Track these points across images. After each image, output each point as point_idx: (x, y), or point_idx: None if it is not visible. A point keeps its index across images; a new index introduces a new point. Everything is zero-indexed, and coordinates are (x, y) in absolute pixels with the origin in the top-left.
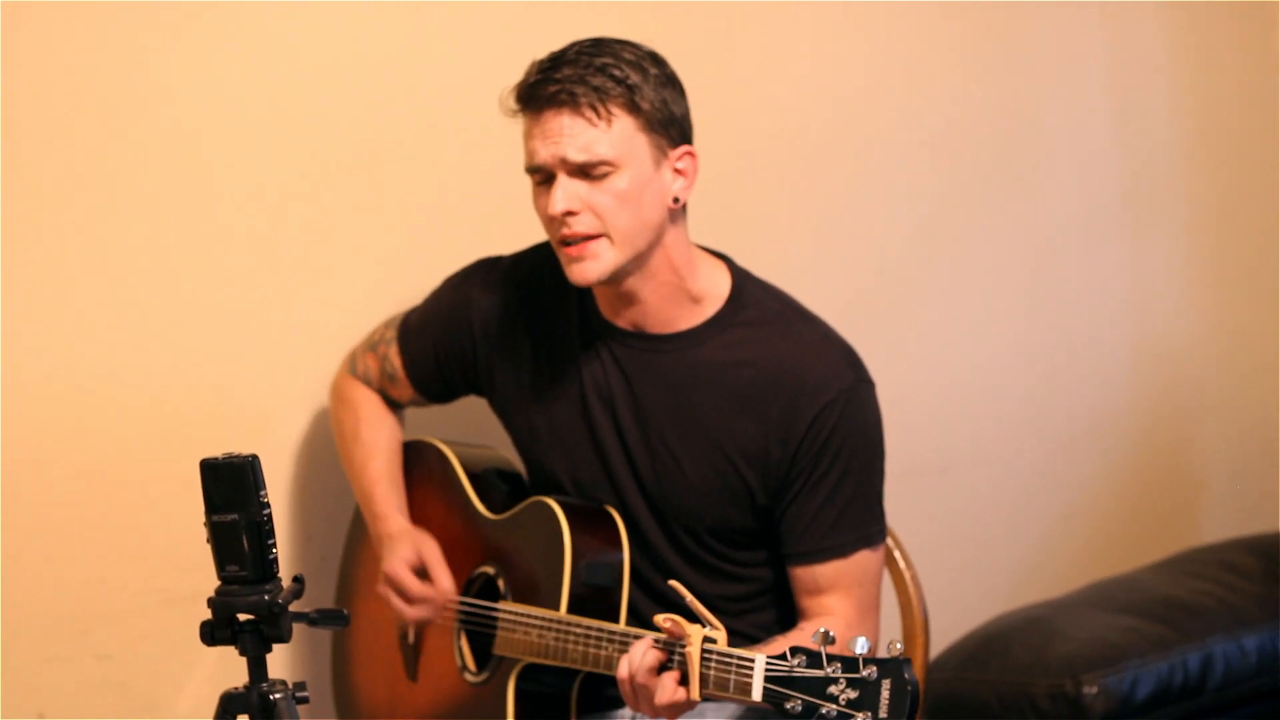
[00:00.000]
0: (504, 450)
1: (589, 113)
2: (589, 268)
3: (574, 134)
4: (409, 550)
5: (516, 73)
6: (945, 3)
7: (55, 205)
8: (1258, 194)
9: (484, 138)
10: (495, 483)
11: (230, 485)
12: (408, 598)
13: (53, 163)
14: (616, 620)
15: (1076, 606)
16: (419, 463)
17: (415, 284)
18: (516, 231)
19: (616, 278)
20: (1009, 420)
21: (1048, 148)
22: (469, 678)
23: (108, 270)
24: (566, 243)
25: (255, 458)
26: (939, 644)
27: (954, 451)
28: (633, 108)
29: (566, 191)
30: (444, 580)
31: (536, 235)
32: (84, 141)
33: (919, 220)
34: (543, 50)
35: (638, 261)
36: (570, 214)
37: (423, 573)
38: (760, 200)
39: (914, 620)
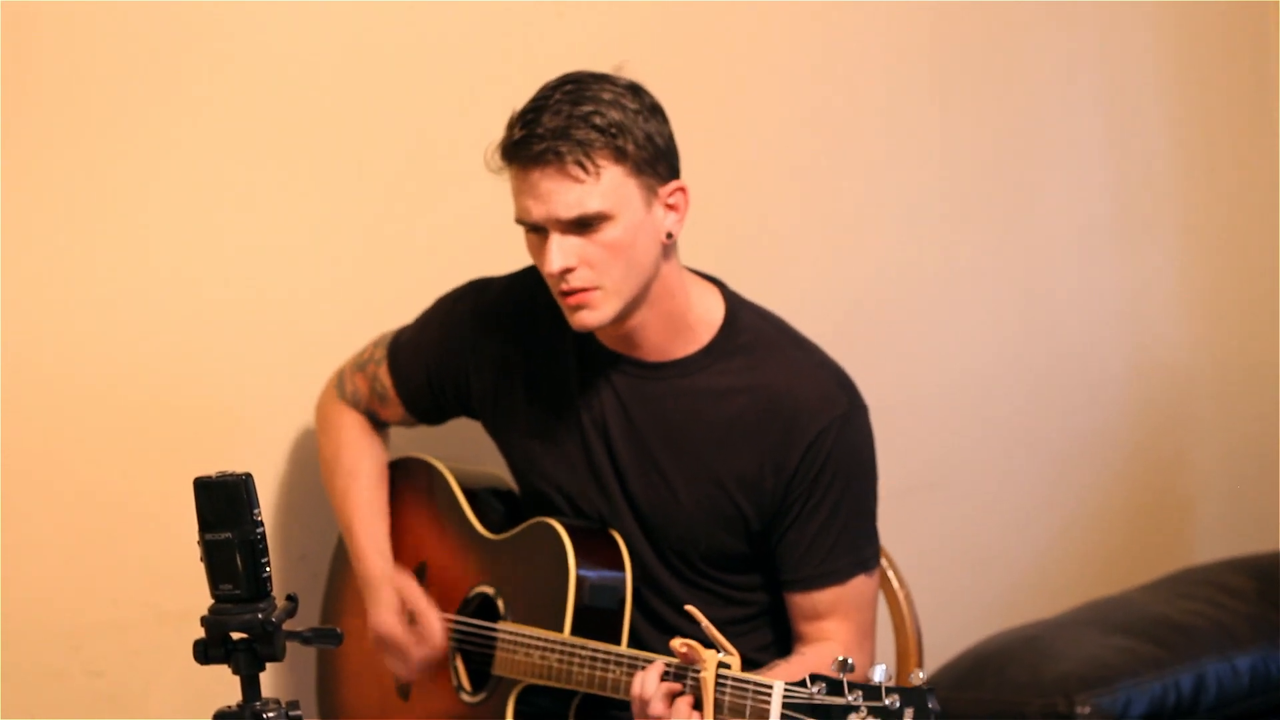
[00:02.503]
0: (497, 469)
1: (575, 169)
2: (587, 316)
3: (563, 192)
4: (392, 598)
5: (508, 89)
6: (940, 15)
7: (44, 222)
8: (1253, 207)
9: (475, 152)
10: (491, 503)
11: (224, 504)
12: (403, 652)
13: (43, 173)
14: (618, 642)
15: (1070, 626)
16: (413, 481)
17: (406, 301)
18: (508, 247)
19: (618, 319)
20: (1003, 437)
21: (1042, 161)
22: (465, 698)
23: (103, 287)
24: (564, 294)
25: (249, 476)
26: (932, 663)
27: (947, 469)
28: (619, 154)
29: (562, 249)
30: (432, 622)
31: (526, 251)
32: (75, 155)
33: (912, 234)
34: (533, 66)
35: (636, 301)
36: (567, 270)
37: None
38: (750, 217)
39: (907, 639)
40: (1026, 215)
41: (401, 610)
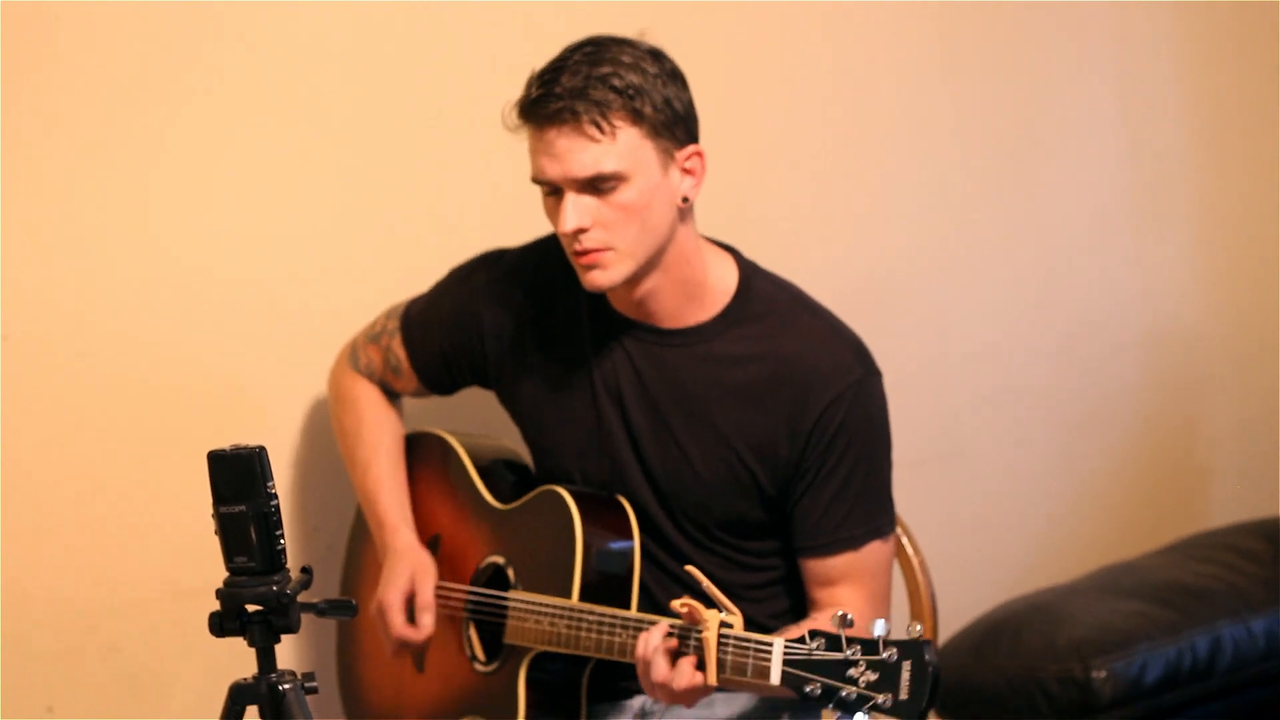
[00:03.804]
0: (508, 440)
1: (591, 129)
2: (600, 276)
3: (579, 151)
4: (406, 580)
5: (517, 66)
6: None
7: (56, 202)
8: (1264, 181)
9: (485, 128)
10: (502, 473)
11: (238, 477)
12: (389, 631)
13: (53, 158)
14: (627, 608)
15: (1085, 592)
16: (425, 455)
17: (417, 273)
18: (519, 222)
19: (630, 281)
20: (1017, 407)
21: (1057, 136)
22: (479, 668)
23: (111, 264)
24: (578, 254)
25: (262, 449)
26: (947, 630)
27: (962, 438)
28: (636, 116)
29: (576, 209)
30: (426, 626)
31: (539, 224)
32: (84, 136)
33: (928, 208)
34: (542, 45)
35: (649, 263)
36: (581, 230)
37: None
38: (769, 186)
39: (922, 607)
40: (1041, 190)
41: (409, 592)
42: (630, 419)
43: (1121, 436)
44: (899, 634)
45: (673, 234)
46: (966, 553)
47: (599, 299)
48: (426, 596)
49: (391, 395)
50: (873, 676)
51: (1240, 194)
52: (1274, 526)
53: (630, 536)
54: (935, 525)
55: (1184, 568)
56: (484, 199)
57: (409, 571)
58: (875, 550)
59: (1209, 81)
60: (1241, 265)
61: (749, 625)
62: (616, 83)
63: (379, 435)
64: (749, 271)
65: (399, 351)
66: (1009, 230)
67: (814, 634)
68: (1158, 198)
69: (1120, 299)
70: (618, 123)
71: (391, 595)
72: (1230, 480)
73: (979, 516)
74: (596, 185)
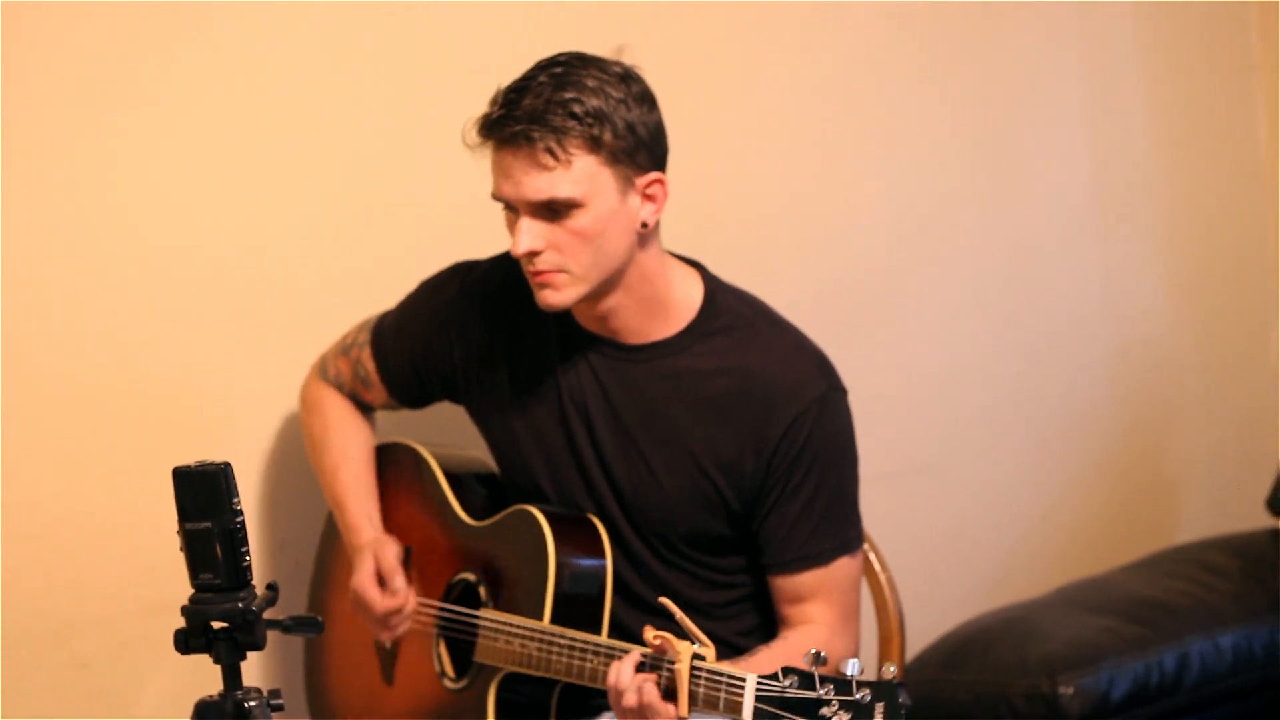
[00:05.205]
0: (480, 454)
1: (545, 156)
2: (552, 295)
3: (533, 176)
4: (370, 561)
5: (492, 74)
6: (922, 6)
7: (20, 210)
8: (1231, 192)
9: (457, 137)
10: (475, 488)
11: (203, 493)
12: (373, 614)
13: (21, 164)
14: (599, 629)
15: (1053, 607)
16: (397, 466)
17: (388, 288)
18: (490, 233)
19: (587, 299)
20: (985, 421)
21: (1023, 149)
22: (448, 684)
23: (85, 281)
24: (531, 273)
25: (228, 465)
26: (916, 646)
27: (930, 453)
28: (594, 143)
29: (530, 232)
30: (399, 585)
31: (508, 237)
32: (53, 146)
33: (895, 221)
34: (524, 50)
35: (606, 285)
36: (534, 253)
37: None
38: (736, 200)
39: (890, 622)
40: (1009, 201)
41: (376, 571)
42: (596, 434)
43: (1091, 451)
44: (871, 670)
45: (631, 257)
46: (935, 567)
47: (566, 315)
48: (390, 562)
49: (362, 407)
50: (845, 717)
51: (1208, 209)
52: (1243, 542)
53: (603, 558)
54: (904, 540)
55: (1153, 583)
56: (455, 209)
57: (371, 554)
58: (843, 566)
59: (1177, 96)
60: (1210, 281)
61: (717, 643)
62: (577, 109)
63: (346, 441)
64: (714, 286)
65: (368, 363)
66: (977, 244)
67: (787, 671)
68: (1126, 213)
69: (1089, 314)
70: (574, 150)
71: (362, 578)
72: (1199, 495)
73: (948, 531)
74: (551, 209)
